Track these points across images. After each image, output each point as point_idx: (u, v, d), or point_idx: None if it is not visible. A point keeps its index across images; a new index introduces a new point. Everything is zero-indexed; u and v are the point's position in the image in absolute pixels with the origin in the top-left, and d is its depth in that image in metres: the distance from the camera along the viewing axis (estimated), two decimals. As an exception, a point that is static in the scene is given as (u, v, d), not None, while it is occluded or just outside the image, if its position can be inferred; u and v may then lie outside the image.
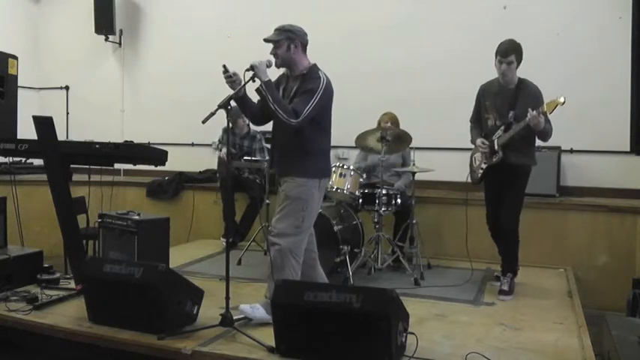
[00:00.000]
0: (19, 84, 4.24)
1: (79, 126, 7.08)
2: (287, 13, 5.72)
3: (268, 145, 4.57)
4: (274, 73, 3.18)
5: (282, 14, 5.70)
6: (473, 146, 4.09)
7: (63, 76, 7.25)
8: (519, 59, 3.71)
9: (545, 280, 4.28)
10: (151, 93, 6.89)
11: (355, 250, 4.27)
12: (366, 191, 4.36)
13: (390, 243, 4.47)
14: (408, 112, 5.14)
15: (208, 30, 6.46)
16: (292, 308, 2.62)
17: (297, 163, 3.08)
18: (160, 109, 6.77)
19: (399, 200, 4.42)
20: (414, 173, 4.45)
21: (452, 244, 4.95)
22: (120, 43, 7.03)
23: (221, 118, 2.99)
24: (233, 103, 3.03)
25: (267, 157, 4.68)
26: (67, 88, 7.29)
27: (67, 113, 7.24)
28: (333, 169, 4.27)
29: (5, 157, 4.18)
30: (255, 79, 2.99)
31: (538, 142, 3.88)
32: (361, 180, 4.38)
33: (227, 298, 2.94)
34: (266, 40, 3.11)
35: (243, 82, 3.00)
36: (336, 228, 4.06)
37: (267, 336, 2.76)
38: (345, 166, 4.31)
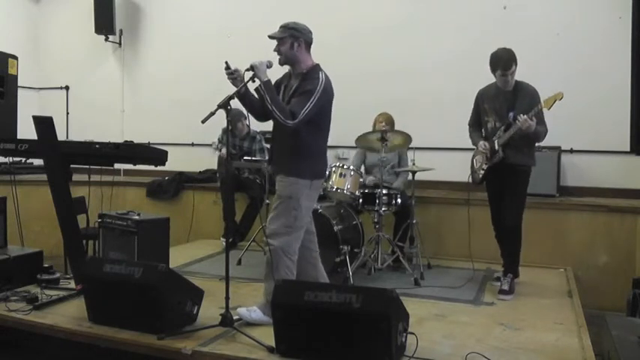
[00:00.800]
0: (19, 84, 4.24)
1: (79, 126, 7.08)
2: (287, 13, 5.69)
3: (268, 146, 4.57)
4: (276, 73, 3.18)
5: (282, 14, 5.69)
6: (473, 146, 4.10)
7: (63, 76, 7.26)
8: (516, 64, 3.74)
9: (545, 280, 4.28)
10: (151, 93, 6.89)
11: (355, 250, 4.26)
12: (366, 191, 4.36)
13: (390, 243, 4.46)
14: (408, 112, 5.15)
15: (208, 30, 6.46)
16: (292, 308, 2.62)
17: (291, 162, 3.09)
18: (160, 109, 6.77)
19: (399, 200, 4.42)
20: (413, 173, 4.45)
21: (452, 244, 4.95)
22: (120, 43, 7.04)
23: (221, 119, 2.99)
24: (233, 103, 3.04)
25: (267, 157, 4.68)
26: (67, 88, 7.29)
27: (67, 113, 7.24)
28: (333, 169, 4.27)
29: (5, 157, 4.18)
30: (255, 79, 2.99)
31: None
32: (361, 180, 4.38)
33: (227, 298, 2.94)
34: (270, 37, 3.11)
35: (243, 81, 3.00)
36: (336, 228, 4.06)
37: (267, 336, 2.75)
38: (345, 166, 4.30)
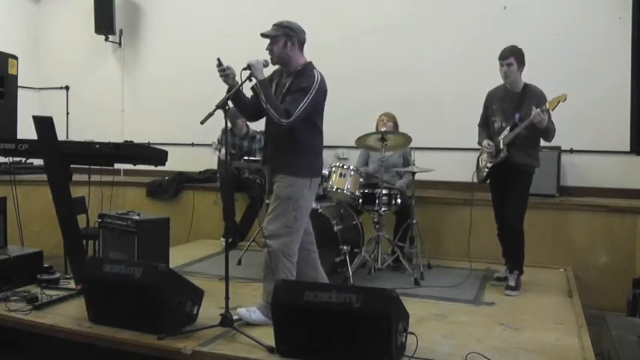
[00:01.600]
0: (19, 84, 4.23)
1: (79, 126, 7.08)
2: (287, 13, 5.68)
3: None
4: (270, 71, 3.17)
5: (282, 14, 5.68)
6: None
7: (63, 76, 7.25)
8: (520, 62, 3.80)
9: (545, 280, 4.28)
10: (151, 93, 6.89)
11: (355, 250, 4.26)
12: (366, 191, 4.36)
13: (390, 243, 4.46)
14: (408, 112, 5.14)
15: (208, 30, 6.46)
16: (292, 308, 2.62)
17: (289, 161, 3.08)
18: (160, 109, 6.77)
19: (399, 200, 4.42)
20: (414, 173, 4.45)
21: (452, 244, 4.95)
22: (120, 43, 7.03)
23: (221, 119, 2.98)
24: (231, 103, 3.04)
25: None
26: (67, 88, 7.29)
27: (67, 113, 7.24)
28: (333, 169, 4.27)
29: (5, 157, 4.18)
30: (252, 78, 2.98)
31: (541, 142, 3.91)
32: (361, 180, 4.38)
33: (227, 298, 2.94)
34: (263, 35, 3.10)
35: (240, 81, 2.99)
36: (336, 228, 4.06)
37: (267, 336, 2.75)
38: (345, 166, 4.30)
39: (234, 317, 2.99)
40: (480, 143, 4.06)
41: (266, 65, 3.03)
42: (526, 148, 3.83)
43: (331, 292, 2.56)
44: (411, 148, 4.65)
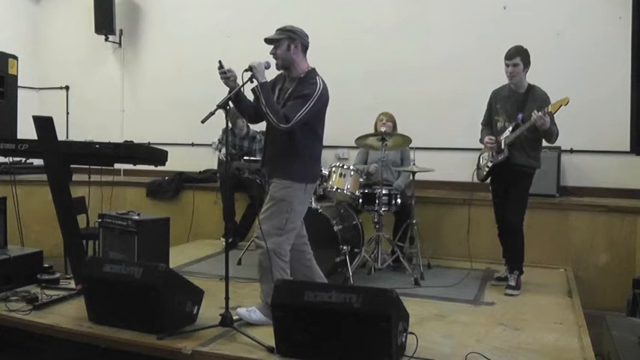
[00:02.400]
0: (19, 84, 4.23)
1: (79, 126, 7.09)
2: (287, 13, 5.76)
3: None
4: (272, 75, 3.18)
5: (282, 14, 5.73)
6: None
7: (63, 76, 7.25)
8: (526, 62, 3.81)
9: (545, 280, 4.28)
10: (151, 93, 6.89)
11: (355, 250, 4.26)
12: (366, 191, 4.36)
13: (390, 243, 4.47)
14: (409, 112, 5.15)
15: (208, 30, 6.46)
16: (292, 308, 2.62)
17: (286, 165, 3.09)
18: (160, 109, 6.77)
19: (399, 200, 4.43)
20: (414, 173, 4.45)
21: (452, 244, 4.95)
22: (120, 43, 7.03)
23: (221, 118, 2.98)
24: (231, 104, 3.04)
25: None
26: (67, 88, 7.29)
27: (67, 113, 7.24)
28: (333, 169, 4.27)
29: (5, 157, 4.17)
30: (253, 79, 2.98)
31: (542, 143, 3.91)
32: (361, 180, 4.38)
33: (227, 298, 2.94)
34: (267, 40, 3.11)
35: (241, 82, 2.99)
36: (336, 228, 4.06)
37: (267, 336, 2.75)
38: (345, 166, 4.30)
39: (234, 317, 2.99)
40: (482, 141, 4.06)
41: (267, 67, 3.03)
42: (527, 149, 3.84)
43: (331, 292, 2.56)
44: (411, 148, 4.65)
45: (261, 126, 3.35)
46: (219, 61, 2.99)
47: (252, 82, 3.00)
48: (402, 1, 5.78)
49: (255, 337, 2.80)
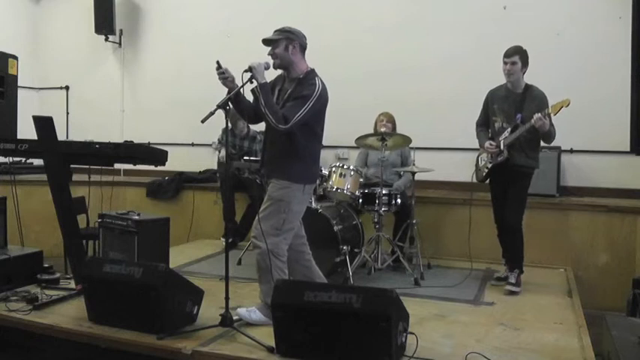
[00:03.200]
0: (19, 84, 4.23)
1: (79, 126, 7.09)
2: (287, 13, 5.77)
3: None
4: (272, 74, 3.18)
5: (282, 14, 5.74)
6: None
7: (63, 76, 7.25)
8: (524, 62, 3.81)
9: (545, 280, 4.28)
10: (151, 93, 6.89)
11: (355, 250, 4.26)
12: (366, 191, 4.36)
13: (390, 243, 4.46)
14: (409, 112, 5.15)
15: (208, 30, 6.46)
16: (292, 308, 2.62)
17: (284, 166, 3.09)
18: (160, 109, 6.76)
19: (399, 200, 4.43)
20: (413, 173, 4.45)
21: (452, 244, 4.95)
22: (120, 43, 7.03)
23: (221, 119, 2.98)
24: (231, 103, 3.04)
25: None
26: (67, 88, 7.29)
27: (67, 113, 7.23)
28: (333, 169, 4.27)
29: (5, 157, 4.17)
30: (253, 80, 2.98)
31: (541, 143, 3.92)
32: (361, 180, 4.38)
33: (227, 298, 2.94)
34: (265, 40, 3.11)
35: (240, 83, 2.99)
36: (336, 228, 4.06)
37: (267, 336, 2.76)
38: (345, 166, 4.30)
39: (234, 317, 2.99)
40: (481, 145, 4.07)
41: (267, 68, 3.03)
42: (526, 149, 3.85)
43: (331, 292, 2.56)
44: (411, 148, 4.65)
45: (262, 126, 3.35)
46: (217, 62, 3.00)
47: (251, 82, 3.00)
48: (402, 1, 5.78)
49: (255, 337, 2.80)
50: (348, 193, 4.24)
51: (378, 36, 5.76)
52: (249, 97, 3.17)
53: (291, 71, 3.14)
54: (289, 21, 3.22)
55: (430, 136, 5.36)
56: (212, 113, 2.83)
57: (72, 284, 3.64)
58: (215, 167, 6.06)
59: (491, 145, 3.94)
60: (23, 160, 5.95)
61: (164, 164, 3.51)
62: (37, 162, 5.81)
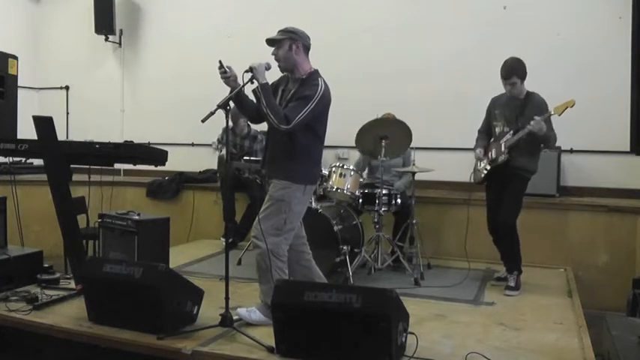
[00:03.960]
0: (19, 84, 4.23)
1: (79, 126, 7.09)
2: (287, 13, 5.77)
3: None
4: (273, 75, 3.18)
5: (282, 14, 5.75)
6: (473, 146, 4.11)
7: (63, 76, 7.26)
8: (522, 76, 3.83)
9: (545, 280, 4.28)
10: (151, 93, 6.89)
11: (355, 250, 4.26)
12: (366, 191, 4.36)
13: (390, 243, 4.46)
14: (409, 112, 5.13)
15: (208, 30, 6.46)
16: (292, 308, 2.62)
17: (285, 166, 3.09)
18: (160, 109, 6.77)
19: (398, 200, 4.42)
20: (414, 173, 4.45)
21: (452, 244, 4.95)
22: (120, 43, 7.04)
23: (221, 118, 2.99)
24: (232, 103, 3.04)
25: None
26: (67, 88, 7.29)
27: (67, 113, 7.24)
28: (333, 169, 4.27)
29: (5, 157, 4.17)
30: (254, 80, 2.98)
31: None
32: (361, 180, 4.37)
33: (227, 298, 2.94)
34: (268, 40, 3.11)
35: (241, 83, 3.00)
36: (336, 228, 4.06)
37: (267, 336, 2.76)
38: (345, 166, 4.30)
39: (234, 317, 2.99)
40: (474, 149, 4.09)
41: (268, 68, 3.03)
42: (526, 153, 3.86)
43: (331, 292, 2.56)
44: (411, 148, 4.65)
45: (263, 126, 3.35)
46: (220, 61, 2.99)
47: (252, 83, 3.00)
48: (402, 2, 5.78)
49: (255, 337, 2.80)
50: (348, 193, 4.24)
51: (378, 36, 5.76)
52: (251, 97, 3.17)
53: (294, 72, 3.14)
54: (289, 21, 3.22)
55: (430, 136, 5.36)
56: (212, 113, 2.83)
57: (72, 284, 3.64)
58: (215, 167, 6.06)
59: (480, 151, 3.99)
60: (23, 160, 5.95)
61: (164, 164, 3.51)
62: (37, 162, 5.81)
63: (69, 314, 3.20)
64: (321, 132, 3.18)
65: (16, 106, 4.18)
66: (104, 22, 6.75)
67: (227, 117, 2.98)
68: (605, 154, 5.10)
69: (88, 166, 4.33)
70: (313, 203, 4.13)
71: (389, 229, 4.69)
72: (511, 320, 3.29)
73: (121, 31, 6.98)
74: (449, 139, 5.44)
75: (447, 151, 5.48)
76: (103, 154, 3.45)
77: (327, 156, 5.66)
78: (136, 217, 3.74)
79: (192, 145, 6.56)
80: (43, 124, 3.44)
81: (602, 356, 2.89)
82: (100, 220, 3.96)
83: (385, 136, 4.22)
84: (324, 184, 4.25)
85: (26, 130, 3.77)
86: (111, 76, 7.10)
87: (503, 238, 3.99)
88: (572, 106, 3.61)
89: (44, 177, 3.56)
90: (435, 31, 5.62)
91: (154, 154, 3.55)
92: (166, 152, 3.52)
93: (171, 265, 3.77)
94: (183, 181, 6.15)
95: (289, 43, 3.07)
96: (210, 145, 5.94)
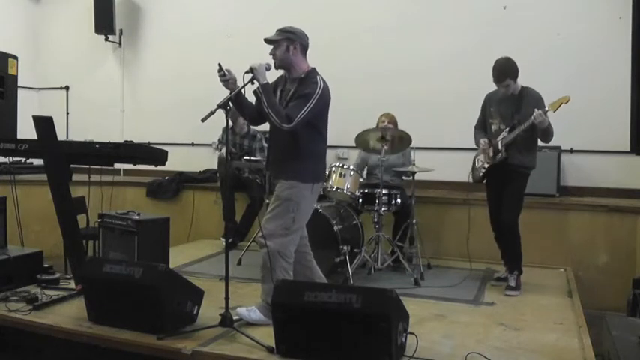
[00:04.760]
0: (19, 84, 4.23)
1: (79, 126, 7.09)
2: (287, 13, 5.77)
3: (269, 145, 4.56)
4: (273, 76, 3.18)
5: (282, 14, 5.74)
6: (473, 146, 4.12)
7: (63, 76, 7.26)
8: (515, 76, 3.81)
9: (545, 280, 4.28)
10: (151, 93, 6.89)
11: (355, 250, 4.26)
12: (366, 191, 4.36)
13: (390, 243, 4.46)
14: (409, 112, 5.14)
15: (208, 30, 6.46)
16: (292, 308, 2.62)
17: (291, 166, 3.09)
18: (160, 109, 6.77)
19: (398, 200, 4.42)
20: (414, 173, 4.45)
21: (452, 244, 4.95)
22: (120, 43, 7.04)
23: (221, 118, 2.99)
24: (233, 105, 3.04)
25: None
26: (67, 88, 7.29)
27: (67, 113, 7.24)
28: (333, 169, 4.27)
29: (5, 157, 4.17)
30: (254, 81, 2.99)
31: (539, 143, 3.92)
32: (361, 180, 4.37)
33: (227, 298, 2.94)
34: (266, 40, 3.11)
35: (241, 84, 3.00)
36: (336, 228, 4.06)
37: (267, 336, 2.76)
38: (345, 166, 4.30)
39: (234, 317, 2.99)
40: (476, 144, 4.07)
41: (268, 69, 3.03)
42: (524, 150, 3.85)
43: (331, 292, 2.56)
44: (411, 148, 4.65)
45: (262, 127, 3.36)
46: (219, 64, 2.99)
47: (252, 83, 3.00)
48: (402, 2, 5.78)
49: (255, 337, 2.80)
50: (348, 193, 4.24)
51: (378, 36, 5.76)
52: (251, 98, 3.17)
53: (292, 72, 3.14)
54: (289, 21, 3.22)
55: (430, 136, 5.36)
56: (212, 113, 2.83)
57: (72, 284, 3.64)
58: (215, 167, 6.06)
59: (485, 142, 3.95)
60: (23, 160, 5.95)
61: (164, 164, 3.51)
62: (37, 162, 5.81)
63: (69, 314, 3.20)
64: (323, 130, 3.18)
65: (16, 106, 4.18)
66: (104, 22, 6.75)
67: (227, 117, 2.98)
68: (605, 154, 5.09)
69: (88, 166, 4.33)
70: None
71: (389, 229, 4.69)
72: (511, 320, 3.29)
73: (121, 31, 6.98)
74: (449, 139, 5.44)
75: (447, 151, 5.47)
76: (103, 154, 3.45)
77: (327, 156, 5.63)
78: (136, 217, 3.74)
79: (192, 145, 6.56)
80: (43, 124, 3.44)
81: (602, 356, 2.90)
82: (100, 220, 3.96)
83: (385, 137, 4.22)
84: (324, 183, 4.25)
85: (26, 130, 3.77)
86: (111, 76, 7.10)
87: (506, 237, 3.99)
88: (567, 102, 3.61)
89: (44, 177, 3.56)
90: (435, 31, 5.62)
91: (153, 154, 3.55)
92: (166, 152, 3.52)
93: (171, 265, 3.77)
94: (183, 181, 6.15)
95: (286, 44, 3.08)
96: (210, 145, 5.94)
